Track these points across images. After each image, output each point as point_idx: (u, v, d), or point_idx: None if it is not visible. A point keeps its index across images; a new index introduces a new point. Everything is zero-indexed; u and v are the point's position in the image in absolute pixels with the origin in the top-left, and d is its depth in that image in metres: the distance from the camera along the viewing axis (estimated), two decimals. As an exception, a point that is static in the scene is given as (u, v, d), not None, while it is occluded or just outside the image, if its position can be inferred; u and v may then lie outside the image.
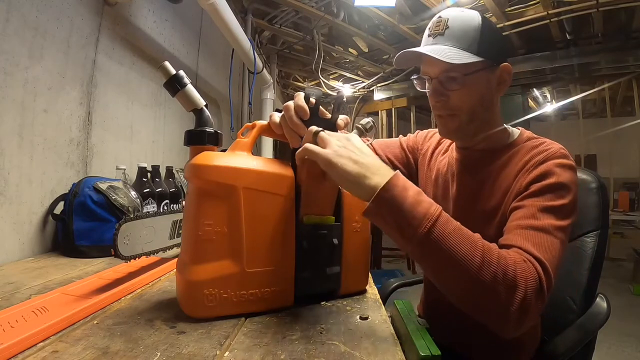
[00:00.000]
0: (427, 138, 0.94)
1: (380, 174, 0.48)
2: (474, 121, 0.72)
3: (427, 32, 0.72)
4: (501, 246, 0.55)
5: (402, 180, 0.49)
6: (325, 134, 0.52)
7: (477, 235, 0.50)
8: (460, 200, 0.77)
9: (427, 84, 0.73)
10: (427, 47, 0.68)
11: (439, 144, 0.90)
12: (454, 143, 0.83)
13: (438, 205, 0.49)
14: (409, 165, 0.95)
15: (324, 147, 0.50)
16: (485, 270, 0.47)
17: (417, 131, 0.99)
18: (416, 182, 0.94)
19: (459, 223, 0.50)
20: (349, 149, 0.50)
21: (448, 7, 2.85)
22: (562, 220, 0.59)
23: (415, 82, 0.76)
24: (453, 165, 0.81)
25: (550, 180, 0.62)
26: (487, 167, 0.74)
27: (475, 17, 0.68)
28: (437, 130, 0.94)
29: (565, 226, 0.59)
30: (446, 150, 0.87)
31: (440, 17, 0.70)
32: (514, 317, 0.47)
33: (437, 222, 0.47)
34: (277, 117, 0.58)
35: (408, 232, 0.47)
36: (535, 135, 0.76)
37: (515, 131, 0.78)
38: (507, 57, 0.73)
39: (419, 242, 0.47)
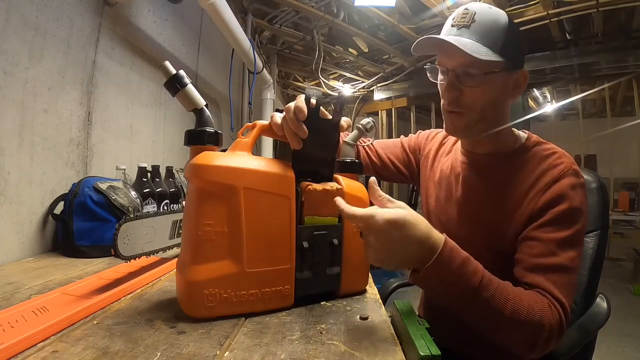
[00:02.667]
0: (429, 139, 0.93)
1: (421, 257, 0.51)
2: (483, 121, 0.70)
3: (450, 21, 0.69)
4: (523, 282, 0.62)
5: (443, 260, 0.51)
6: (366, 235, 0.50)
7: (508, 285, 0.57)
8: (466, 204, 0.76)
9: (440, 75, 0.71)
10: (452, 37, 0.65)
11: (441, 144, 0.89)
12: (459, 145, 0.82)
13: (478, 274, 0.54)
14: (410, 165, 0.94)
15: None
16: (517, 318, 0.55)
17: (419, 131, 0.98)
18: (418, 181, 0.93)
19: (495, 279, 0.56)
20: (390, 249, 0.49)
21: (448, 7, 2.85)
22: (576, 247, 0.63)
23: (428, 72, 0.74)
24: (458, 167, 0.80)
25: (564, 205, 0.64)
26: (496, 172, 0.73)
27: (502, 16, 0.67)
28: (439, 130, 0.93)
29: (579, 253, 0.64)
30: (449, 152, 0.85)
31: (467, 9, 0.67)
32: (537, 351, 0.57)
33: (478, 288, 0.53)
34: (278, 117, 0.58)
35: (454, 297, 0.55)
36: (543, 140, 0.75)
37: (522, 135, 0.76)
38: (524, 61, 0.72)
39: (461, 306, 0.56)
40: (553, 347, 0.59)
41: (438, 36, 0.66)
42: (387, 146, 0.96)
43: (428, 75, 0.75)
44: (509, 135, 0.75)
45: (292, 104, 0.55)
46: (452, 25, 0.68)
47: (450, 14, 0.71)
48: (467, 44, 0.63)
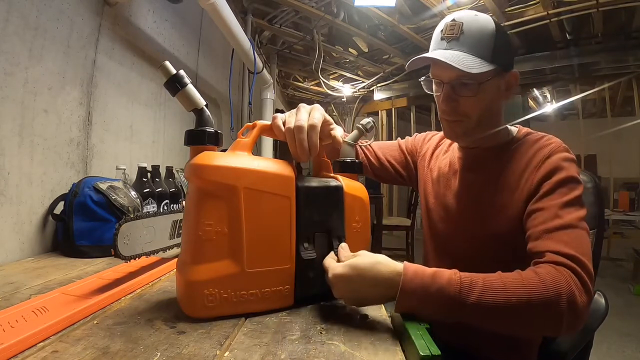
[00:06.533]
0: (426, 140, 0.95)
1: (389, 293, 0.51)
2: (481, 125, 0.73)
3: (439, 34, 0.71)
4: (534, 253, 0.59)
5: (411, 275, 0.51)
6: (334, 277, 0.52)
7: (500, 275, 0.53)
8: (464, 197, 0.78)
9: (435, 87, 0.74)
10: (442, 53, 0.67)
11: (438, 145, 0.91)
12: (456, 144, 0.84)
13: (455, 280, 0.51)
14: (407, 166, 0.96)
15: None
16: (520, 304, 0.50)
17: (416, 134, 1.00)
18: (415, 183, 0.94)
19: (479, 276, 0.52)
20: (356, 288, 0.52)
21: (448, 7, 2.85)
22: (580, 209, 0.63)
23: (423, 84, 0.76)
24: (455, 164, 0.82)
25: (561, 175, 0.65)
26: (491, 164, 0.75)
27: (489, 22, 0.68)
28: (435, 132, 0.96)
29: (584, 215, 0.63)
30: (447, 151, 0.88)
31: (454, 20, 0.69)
32: (569, 323, 0.51)
33: (460, 294, 0.50)
34: (280, 120, 0.57)
35: (444, 315, 0.51)
36: (533, 131, 0.77)
37: (514, 129, 0.79)
38: (514, 62, 0.74)
39: (458, 318, 0.51)
40: (584, 309, 0.53)
41: (430, 55, 0.67)
42: (385, 147, 0.98)
43: (424, 88, 0.77)
44: (503, 131, 0.78)
45: (304, 124, 0.55)
46: (442, 39, 0.69)
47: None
48: (459, 58, 0.65)
